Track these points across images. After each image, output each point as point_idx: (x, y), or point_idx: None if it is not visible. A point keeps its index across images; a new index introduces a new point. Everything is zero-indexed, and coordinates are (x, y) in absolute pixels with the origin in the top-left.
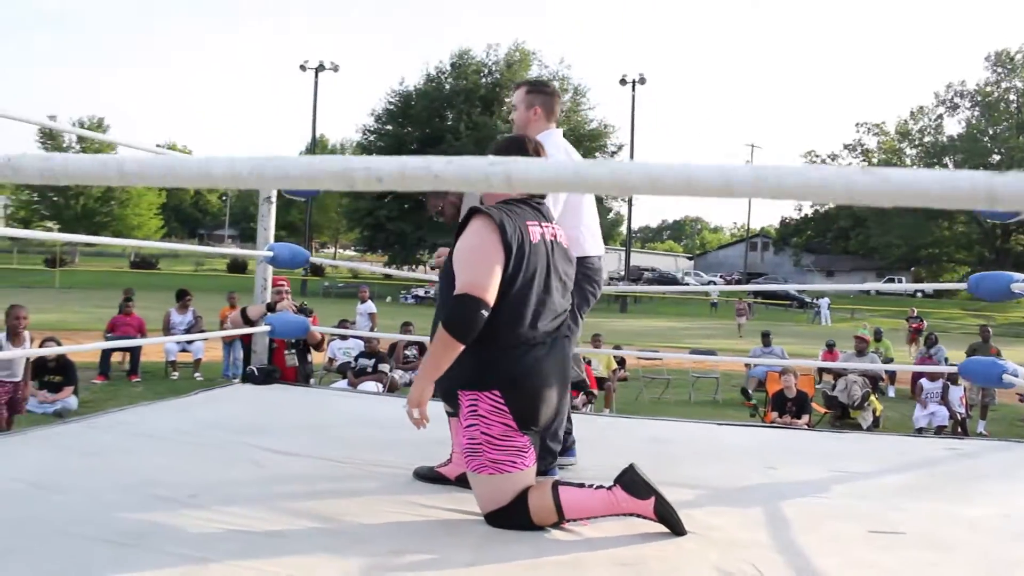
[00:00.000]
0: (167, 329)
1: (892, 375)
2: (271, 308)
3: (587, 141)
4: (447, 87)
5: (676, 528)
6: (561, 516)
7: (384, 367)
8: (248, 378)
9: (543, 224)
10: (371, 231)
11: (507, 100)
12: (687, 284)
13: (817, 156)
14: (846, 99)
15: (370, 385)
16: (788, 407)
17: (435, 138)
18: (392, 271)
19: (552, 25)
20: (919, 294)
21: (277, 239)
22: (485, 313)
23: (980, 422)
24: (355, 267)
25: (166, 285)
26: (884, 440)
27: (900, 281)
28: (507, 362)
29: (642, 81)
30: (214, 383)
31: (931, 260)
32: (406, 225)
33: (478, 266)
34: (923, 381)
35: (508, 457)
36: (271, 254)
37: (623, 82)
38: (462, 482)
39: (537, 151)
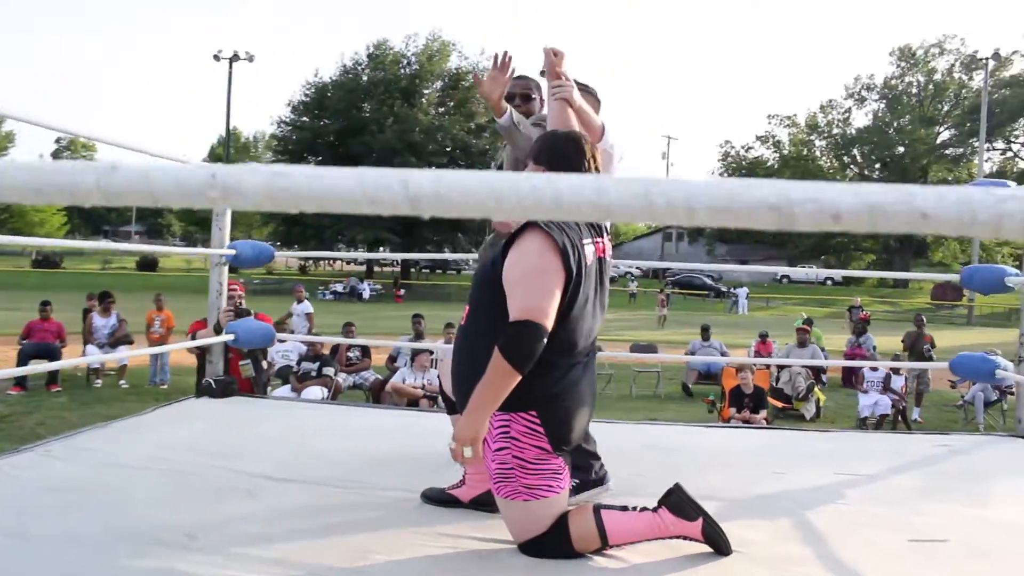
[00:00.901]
0: (89, 334)
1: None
2: (219, 328)
3: None
4: (365, 78)
5: (722, 548)
6: (605, 542)
7: (329, 371)
8: (205, 391)
9: (595, 240)
10: (287, 225)
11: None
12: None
13: (732, 147)
14: (760, 90)
15: (315, 390)
16: (746, 403)
17: (354, 130)
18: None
19: (472, 15)
20: (828, 281)
21: (185, 234)
22: (545, 341)
23: (915, 409)
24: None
25: (73, 285)
26: (874, 439)
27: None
28: (545, 382)
29: None
30: (141, 391)
31: (840, 249)
32: (324, 218)
33: (539, 289)
34: (865, 370)
35: (543, 481)
36: (232, 252)
37: (542, 73)
38: (477, 505)
39: (594, 154)
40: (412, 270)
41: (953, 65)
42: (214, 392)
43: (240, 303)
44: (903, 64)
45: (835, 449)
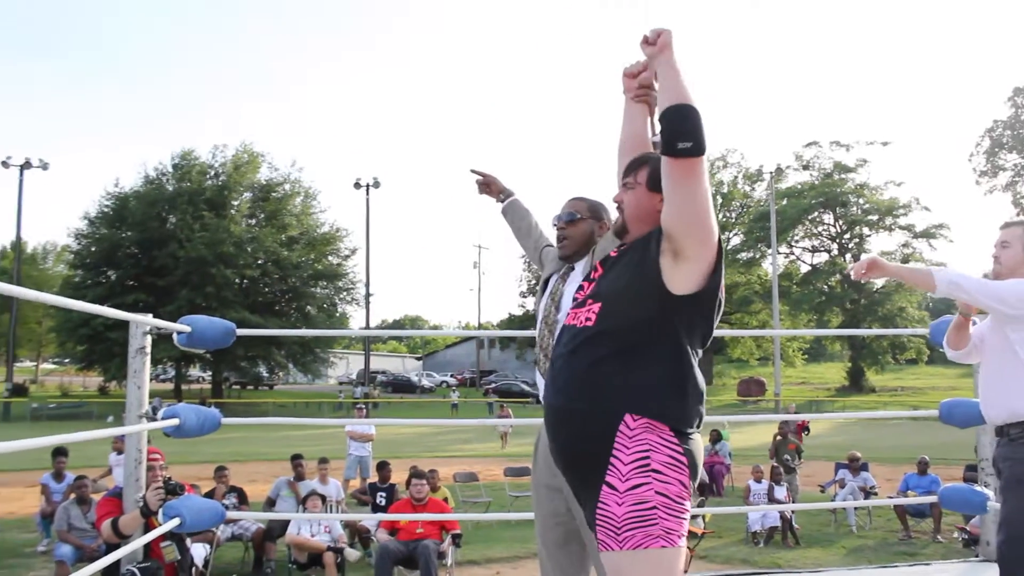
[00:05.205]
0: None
1: None
2: (147, 512)
3: (320, 244)
4: (169, 188)
5: None
6: None
7: None
8: None
9: None
10: (88, 343)
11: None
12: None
13: None
14: (550, 204)
15: (198, 548)
16: None
17: (158, 241)
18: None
19: (283, 127)
20: None
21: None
22: None
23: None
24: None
25: None
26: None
27: None
28: (694, 394)
29: (376, 184)
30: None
31: None
32: (126, 332)
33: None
34: (750, 483)
35: (680, 525)
36: (176, 422)
37: (357, 185)
38: None
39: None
40: (224, 387)
41: (737, 177)
42: None
43: (166, 476)
44: None
45: None
